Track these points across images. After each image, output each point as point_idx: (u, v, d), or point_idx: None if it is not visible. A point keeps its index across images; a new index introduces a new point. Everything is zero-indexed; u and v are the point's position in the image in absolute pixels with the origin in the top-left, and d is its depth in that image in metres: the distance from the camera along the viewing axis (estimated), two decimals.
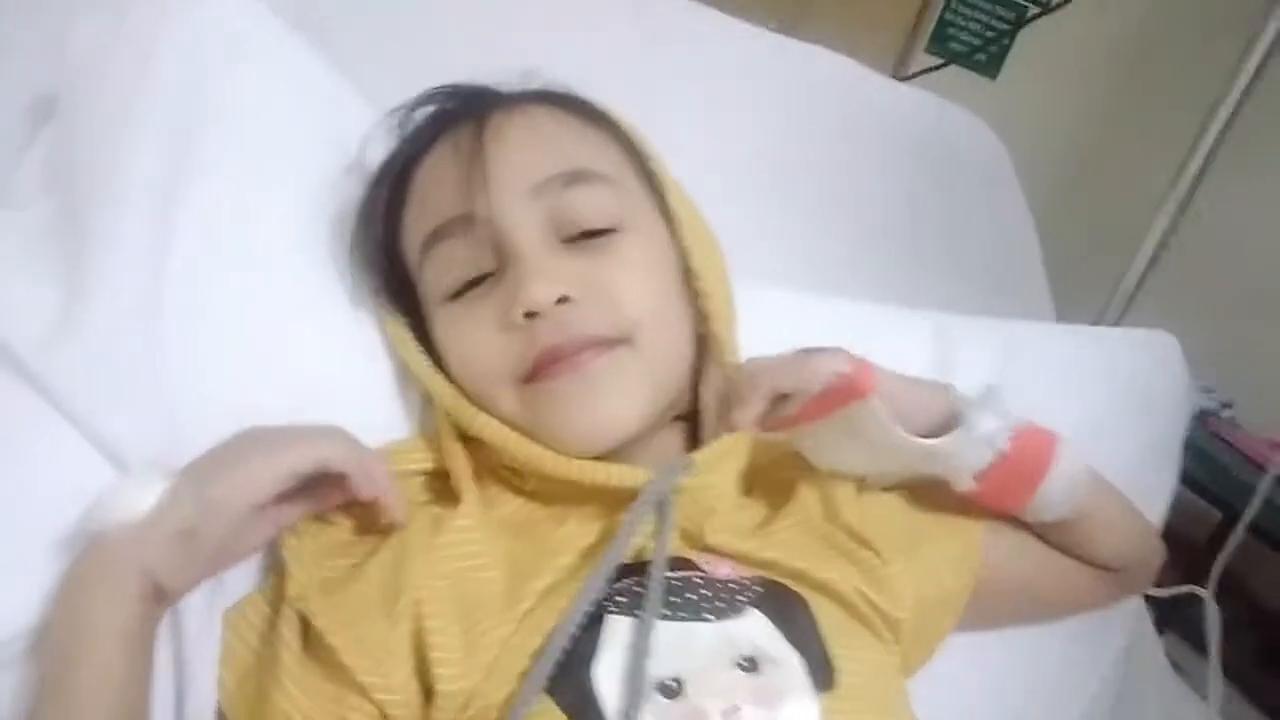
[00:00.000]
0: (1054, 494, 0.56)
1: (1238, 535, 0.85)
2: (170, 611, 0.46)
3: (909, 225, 1.07)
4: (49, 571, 0.43)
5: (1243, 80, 1.07)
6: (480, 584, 0.47)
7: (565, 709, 0.41)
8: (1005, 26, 1.62)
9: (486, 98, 0.57)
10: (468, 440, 0.55)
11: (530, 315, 0.50)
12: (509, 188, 0.52)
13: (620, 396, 0.51)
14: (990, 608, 0.59)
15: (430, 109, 0.58)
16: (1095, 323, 1.14)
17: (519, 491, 0.55)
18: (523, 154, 0.53)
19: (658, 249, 0.56)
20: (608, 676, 0.42)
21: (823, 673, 0.45)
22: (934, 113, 1.11)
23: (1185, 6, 1.63)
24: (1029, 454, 0.56)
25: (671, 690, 0.41)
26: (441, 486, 0.55)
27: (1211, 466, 1.43)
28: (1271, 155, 1.32)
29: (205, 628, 0.46)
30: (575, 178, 0.53)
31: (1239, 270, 1.63)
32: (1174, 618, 0.77)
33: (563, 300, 0.50)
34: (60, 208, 0.55)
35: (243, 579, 0.50)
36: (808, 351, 0.54)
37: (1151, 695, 0.75)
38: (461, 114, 0.55)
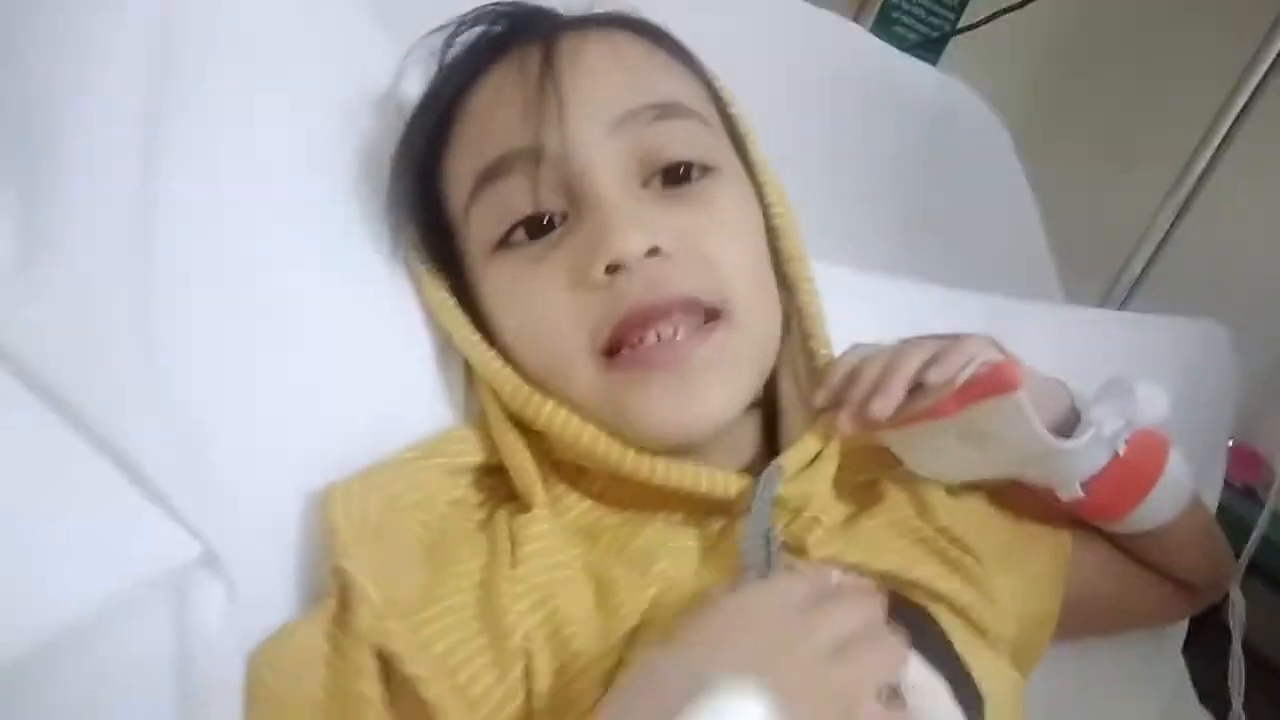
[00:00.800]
0: (1158, 504, 0.52)
1: (1260, 528, 0.82)
2: (177, 634, 0.36)
3: (913, 199, 1.05)
4: None
5: (1255, 74, 1.06)
6: (572, 601, 0.40)
7: None
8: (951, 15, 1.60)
9: (551, 19, 0.49)
10: (521, 427, 0.47)
11: (613, 270, 0.42)
12: (589, 119, 0.44)
13: (722, 387, 0.44)
14: (1071, 622, 0.55)
15: (481, 30, 0.50)
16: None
17: (586, 492, 0.47)
18: (605, 80, 0.45)
19: (751, 205, 0.50)
20: None
21: (969, 696, 0.40)
22: (938, 87, 1.08)
23: None
24: (1142, 459, 0.51)
25: None
26: (495, 484, 0.48)
27: None
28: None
29: (225, 656, 0.37)
30: (666, 111, 0.46)
31: (1235, 265, 1.66)
32: None
33: (653, 253, 0.43)
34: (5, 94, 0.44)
35: (272, 591, 0.41)
36: (955, 338, 0.48)
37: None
38: (524, 35, 0.47)
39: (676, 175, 0.46)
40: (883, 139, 1.04)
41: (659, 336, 0.43)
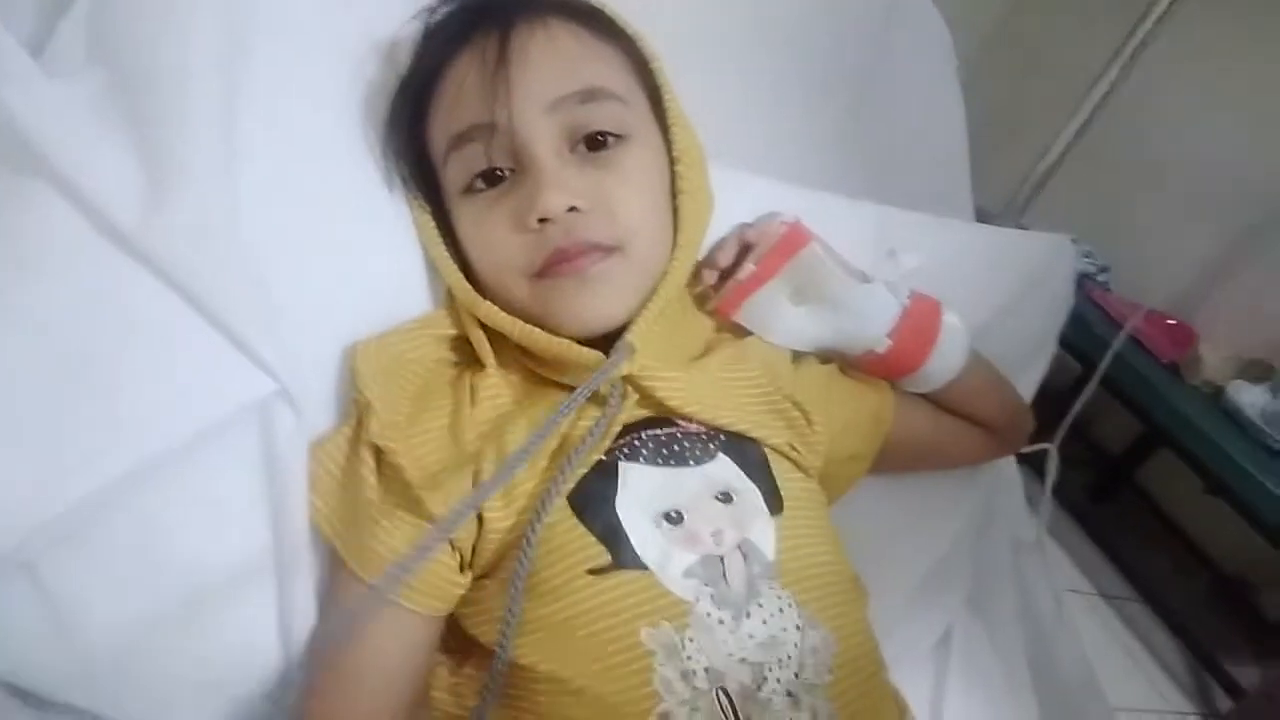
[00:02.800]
0: (947, 350, 0.72)
1: (1088, 392, 1.01)
2: (264, 443, 0.55)
3: (849, 104, 1.14)
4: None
5: None
6: (513, 431, 0.59)
7: (599, 537, 0.55)
8: None
9: (509, 5, 0.62)
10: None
11: (543, 221, 0.58)
12: (529, 103, 0.58)
13: (610, 295, 0.60)
14: (897, 458, 0.76)
15: (454, 12, 0.64)
16: (1010, 189, 1.26)
17: (523, 368, 0.65)
18: (543, 71, 0.59)
19: (653, 156, 0.65)
20: (627, 510, 0.56)
21: (774, 499, 0.60)
22: None
23: None
24: (923, 309, 0.72)
25: (674, 519, 0.56)
26: (468, 349, 0.66)
27: (1077, 324, 1.67)
28: (1198, 45, 1.39)
29: (295, 455, 0.56)
30: (589, 95, 0.60)
31: (1139, 149, 1.76)
32: (1029, 458, 0.96)
33: (572, 209, 0.58)
34: (113, 79, 0.58)
35: (323, 415, 0.60)
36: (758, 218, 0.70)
37: (1005, 523, 0.95)
38: (486, 21, 0.61)
39: (596, 142, 0.60)
40: (834, 45, 1.12)
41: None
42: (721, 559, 0.55)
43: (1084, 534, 1.85)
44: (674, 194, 0.66)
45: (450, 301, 0.66)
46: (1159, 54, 1.21)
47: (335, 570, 0.57)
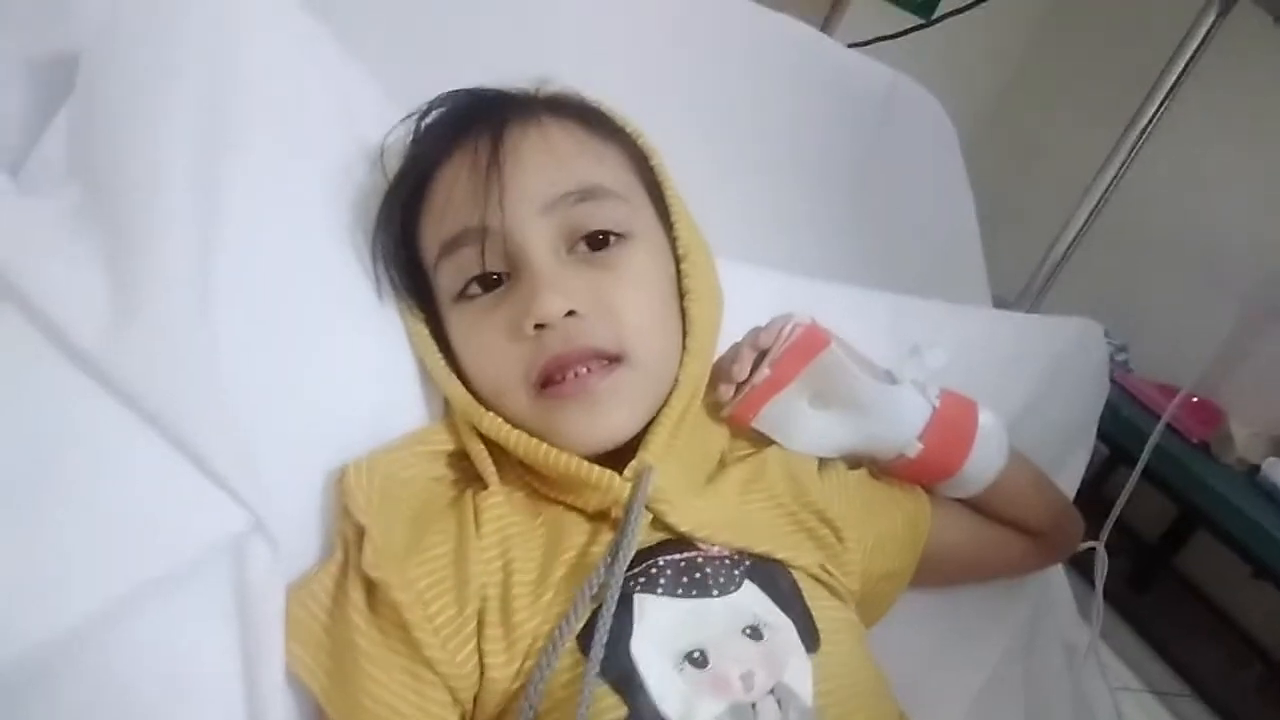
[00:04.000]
0: (985, 451, 0.66)
1: (1132, 483, 0.95)
2: (236, 584, 0.49)
3: (853, 193, 1.13)
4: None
5: (1181, 58, 1.14)
6: (523, 563, 0.53)
7: (611, 682, 0.48)
8: None
9: (502, 106, 0.60)
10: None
11: (539, 327, 0.55)
12: (523, 204, 0.55)
13: (619, 410, 0.56)
14: (936, 572, 0.70)
15: (446, 113, 0.61)
16: (1018, 274, 1.23)
17: (527, 486, 0.59)
18: (537, 173, 0.56)
19: (657, 256, 0.61)
20: (644, 650, 0.49)
21: (809, 634, 0.53)
22: (885, 83, 1.15)
23: None
24: (957, 409, 0.67)
25: (699, 661, 0.49)
26: (467, 465, 0.60)
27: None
28: (1207, 122, 1.41)
29: (271, 598, 0.50)
30: (586, 194, 0.57)
31: (1149, 227, 1.75)
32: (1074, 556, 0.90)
33: (570, 314, 0.55)
34: (90, 190, 0.55)
35: (300, 550, 0.54)
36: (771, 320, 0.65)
37: (1054, 629, 0.87)
38: (478, 122, 0.58)
39: (596, 241, 0.57)
40: (833, 137, 1.13)
41: (576, 374, 0.55)
42: (753, 706, 0.48)
43: (1129, 627, 1.75)
44: (681, 295, 0.62)
45: (447, 415, 0.62)
46: (1166, 130, 1.20)
47: None
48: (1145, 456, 0.95)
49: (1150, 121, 1.15)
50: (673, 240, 0.63)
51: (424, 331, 0.61)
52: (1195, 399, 1.73)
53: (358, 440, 0.57)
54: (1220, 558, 1.56)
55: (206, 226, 0.54)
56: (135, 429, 0.48)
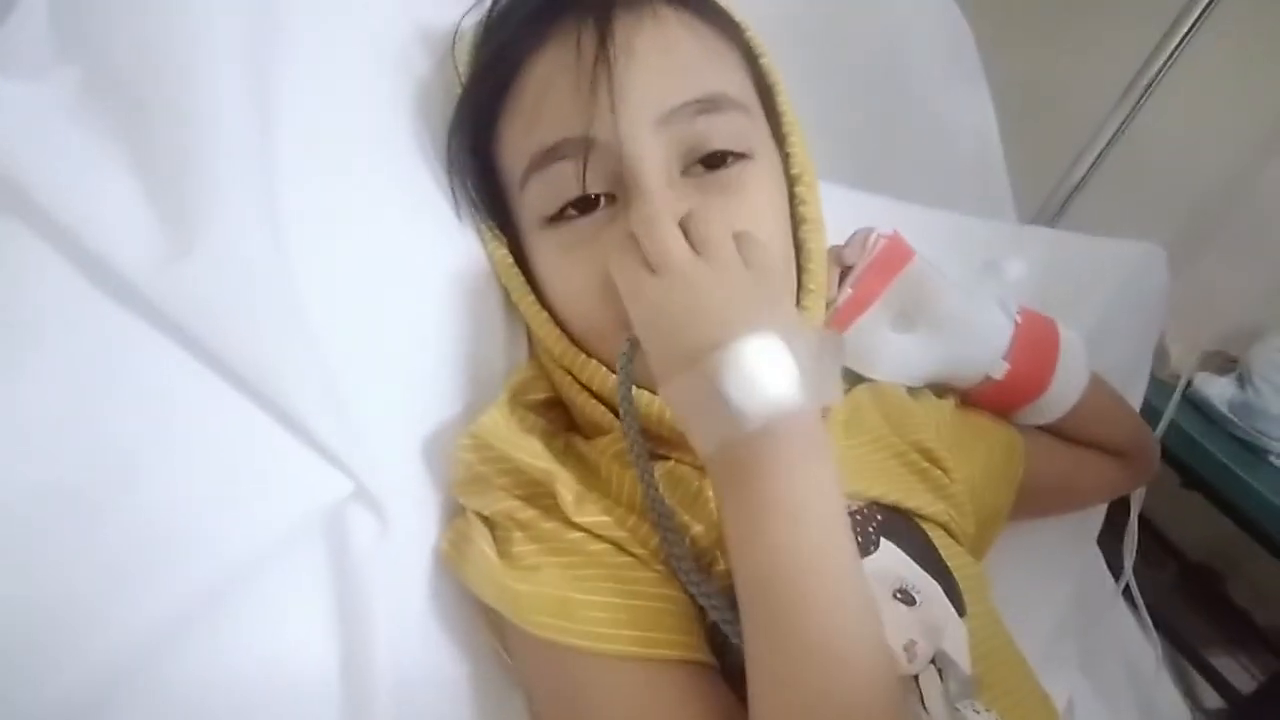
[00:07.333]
0: (1070, 371, 0.63)
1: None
2: (333, 557, 0.43)
3: (875, 108, 1.05)
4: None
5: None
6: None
7: None
8: None
9: None
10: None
11: None
12: (638, 114, 0.47)
13: None
14: (1032, 502, 0.66)
15: None
16: (1037, 207, 1.21)
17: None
18: (655, 75, 0.47)
19: (777, 180, 0.53)
20: None
21: (955, 594, 0.49)
22: None
23: None
24: (1038, 326, 0.63)
25: None
26: (557, 414, 0.54)
27: None
28: (1222, 69, 1.37)
29: (376, 575, 0.44)
30: (709, 105, 0.48)
31: (1168, 179, 1.71)
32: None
33: None
34: (93, 77, 0.44)
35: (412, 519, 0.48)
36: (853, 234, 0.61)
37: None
38: (580, 6, 0.48)
39: (715, 161, 0.49)
40: (851, 48, 1.04)
41: None
42: (916, 679, 0.44)
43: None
44: (795, 224, 0.54)
45: (534, 357, 0.55)
46: None
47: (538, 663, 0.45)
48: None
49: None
50: (785, 156, 0.55)
51: (510, 261, 0.53)
52: None
53: (450, 388, 0.50)
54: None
55: (260, 131, 0.44)
56: (197, 375, 0.40)
